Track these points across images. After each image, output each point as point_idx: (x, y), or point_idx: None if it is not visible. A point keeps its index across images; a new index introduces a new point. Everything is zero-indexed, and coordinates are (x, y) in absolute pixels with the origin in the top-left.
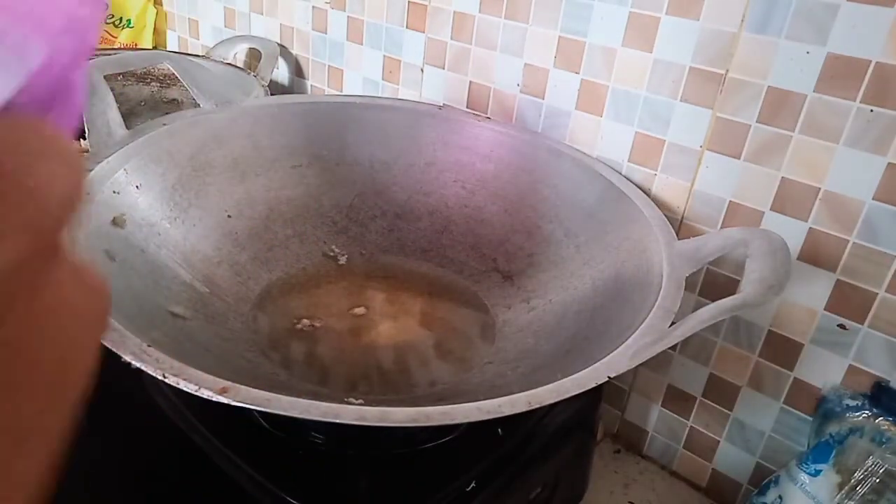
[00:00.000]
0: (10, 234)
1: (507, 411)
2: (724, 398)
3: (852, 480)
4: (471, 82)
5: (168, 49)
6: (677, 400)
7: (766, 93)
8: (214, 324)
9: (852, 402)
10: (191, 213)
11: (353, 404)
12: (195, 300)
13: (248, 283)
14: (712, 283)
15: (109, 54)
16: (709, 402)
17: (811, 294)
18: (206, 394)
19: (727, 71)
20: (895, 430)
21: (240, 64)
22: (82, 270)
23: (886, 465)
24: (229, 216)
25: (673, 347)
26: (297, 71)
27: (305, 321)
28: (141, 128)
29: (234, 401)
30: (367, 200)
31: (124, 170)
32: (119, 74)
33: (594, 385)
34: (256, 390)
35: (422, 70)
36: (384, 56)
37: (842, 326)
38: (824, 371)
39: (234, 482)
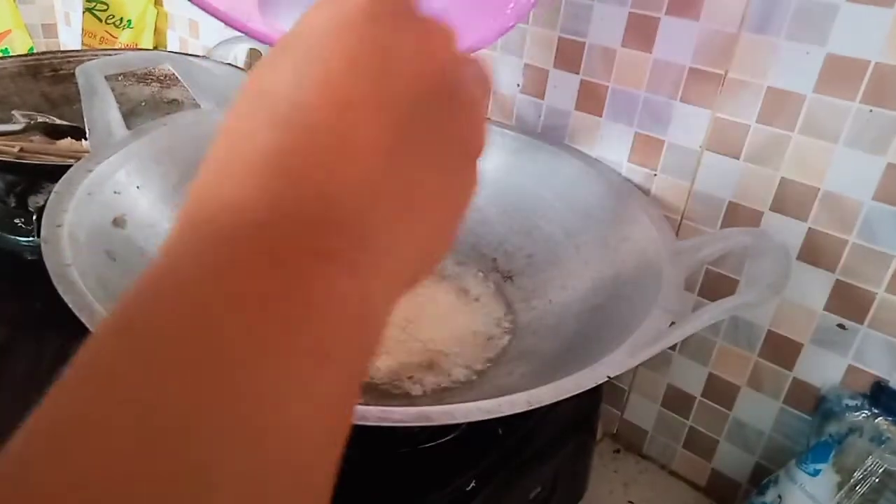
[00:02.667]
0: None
1: (507, 411)
2: (724, 398)
3: (851, 480)
4: None
5: (168, 50)
6: (677, 400)
7: (765, 93)
8: None
9: (852, 402)
10: None
11: None
12: None
13: None
14: (712, 282)
15: (110, 55)
16: (708, 401)
17: (810, 294)
18: None
19: (727, 71)
20: (894, 429)
21: (240, 64)
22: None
23: (886, 465)
24: None
25: (672, 347)
26: None
27: None
28: (142, 128)
29: None
30: None
31: (125, 170)
32: (120, 75)
33: (593, 385)
34: None
35: None
36: None
37: (841, 326)
38: (824, 371)
39: None
